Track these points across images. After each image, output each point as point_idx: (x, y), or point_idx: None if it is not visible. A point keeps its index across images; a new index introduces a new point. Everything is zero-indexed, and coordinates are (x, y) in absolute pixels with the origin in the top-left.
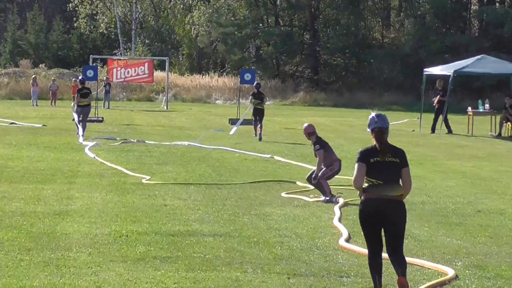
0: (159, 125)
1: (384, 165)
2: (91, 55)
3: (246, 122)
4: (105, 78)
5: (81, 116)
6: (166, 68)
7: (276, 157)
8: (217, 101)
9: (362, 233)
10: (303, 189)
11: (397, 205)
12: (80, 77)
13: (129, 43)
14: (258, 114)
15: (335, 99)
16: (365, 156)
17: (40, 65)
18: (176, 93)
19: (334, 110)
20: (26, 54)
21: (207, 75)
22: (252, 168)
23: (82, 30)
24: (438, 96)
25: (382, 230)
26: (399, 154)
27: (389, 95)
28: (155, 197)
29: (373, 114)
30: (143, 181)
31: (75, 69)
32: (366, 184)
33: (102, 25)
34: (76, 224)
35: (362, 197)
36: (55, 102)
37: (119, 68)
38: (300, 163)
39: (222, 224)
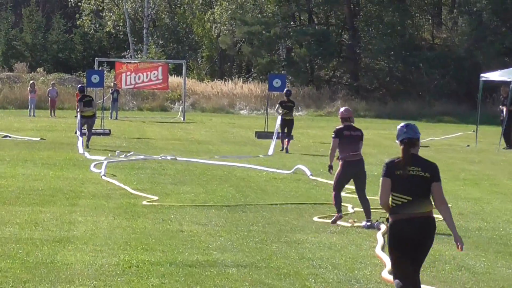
0: (174, 138)
1: (411, 178)
2: (96, 58)
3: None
4: (112, 84)
5: (84, 127)
6: (183, 73)
7: (300, 167)
8: (241, 111)
9: (391, 262)
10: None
11: (428, 222)
12: (80, 85)
13: (140, 44)
14: (287, 125)
15: (377, 108)
16: (389, 169)
17: (38, 69)
18: (195, 101)
19: (376, 122)
20: (21, 57)
21: (230, 81)
22: (282, 188)
23: (86, 29)
24: (505, 105)
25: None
26: (431, 168)
27: (440, 105)
28: (170, 222)
29: (402, 124)
30: (144, 202)
31: (78, 74)
32: (394, 203)
33: (109, 23)
34: (79, 253)
35: (390, 219)
36: (54, 112)
37: (128, 73)
38: (328, 180)
39: (247, 253)
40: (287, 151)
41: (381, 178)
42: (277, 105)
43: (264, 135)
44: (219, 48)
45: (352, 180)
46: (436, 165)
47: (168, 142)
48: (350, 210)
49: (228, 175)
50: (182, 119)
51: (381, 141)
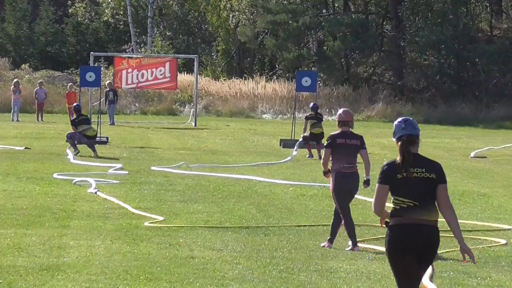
0: (184, 148)
1: (416, 181)
2: (91, 52)
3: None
4: (107, 83)
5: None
6: (195, 70)
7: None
8: (264, 115)
9: (392, 272)
10: (381, 236)
11: (433, 233)
12: (76, 104)
13: (143, 36)
14: (316, 139)
15: (426, 112)
16: (388, 175)
17: (23, 66)
18: (209, 104)
19: (424, 128)
20: (3, 51)
21: (250, 80)
22: (312, 207)
23: (79, 18)
24: None
25: None
26: (436, 168)
27: (501, 107)
28: (178, 247)
29: (399, 119)
30: (146, 223)
31: (70, 71)
32: (397, 206)
33: (106, 11)
34: (70, 283)
35: (391, 223)
36: (42, 117)
37: (130, 70)
38: None
39: (270, 284)
40: (319, 157)
41: (377, 184)
42: (304, 120)
43: (291, 143)
44: (238, 41)
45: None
46: (440, 164)
47: (177, 152)
48: None
49: (247, 191)
50: (193, 124)
51: (429, 150)
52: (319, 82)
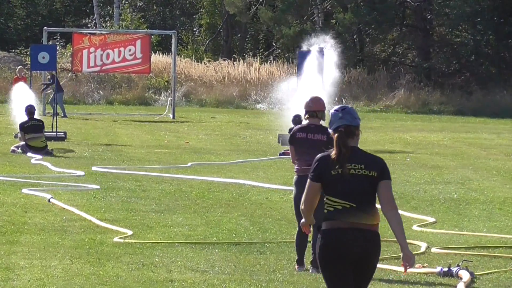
0: (160, 145)
1: (353, 179)
2: (45, 28)
3: None
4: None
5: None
6: (173, 49)
7: None
8: (258, 105)
9: (325, 282)
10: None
11: (373, 239)
12: (28, 104)
13: (109, 7)
14: None
15: (458, 101)
16: (320, 170)
17: None
18: (190, 91)
19: (456, 120)
20: None
21: (241, 62)
22: None
23: None
24: None
25: None
26: (377, 165)
27: None
28: (154, 268)
29: (335, 107)
30: (115, 239)
31: (18, 51)
32: (330, 208)
33: None
34: None
35: (323, 227)
36: None
37: (92, 50)
38: (401, 211)
39: None
40: None
41: (308, 181)
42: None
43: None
44: (225, 13)
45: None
46: (383, 160)
47: (151, 150)
48: (422, 249)
49: (238, 198)
50: (171, 116)
51: (462, 148)
52: None
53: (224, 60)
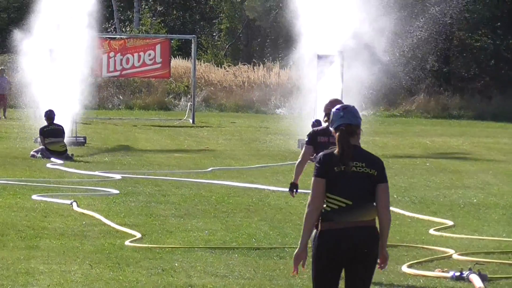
0: (180, 149)
1: (353, 177)
2: None
3: None
4: None
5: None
6: (192, 54)
7: None
8: (278, 110)
9: (313, 279)
10: (429, 258)
11: (370, 235)
12: (48, 109)
13: (129, 12)
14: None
15: (477, 106)
16: (326, 166)
17: None
18: (210, 95)
19: (476, 125)
20: None
21: (261, 66)
22: None
23: None
24: None
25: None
26: (376, 164)
27: None
28: (173, 272)
29: (337, 106)
30: (126, 243)
31: None
32: (327, 207)
33: None
34: None
35: (320, 227)
36: (5, 112)
37: (112, 54)
38: (418, 215)
39: None
40: None
41: (312, 178)
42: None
43: None
44: (245, 18)
45: None
46: (381, 160)
47: (170, 155)
48: (451, 252)
49: (258, 203)
50: (190, 121)
51: (482, 153)
52: None
53: (244, 64)
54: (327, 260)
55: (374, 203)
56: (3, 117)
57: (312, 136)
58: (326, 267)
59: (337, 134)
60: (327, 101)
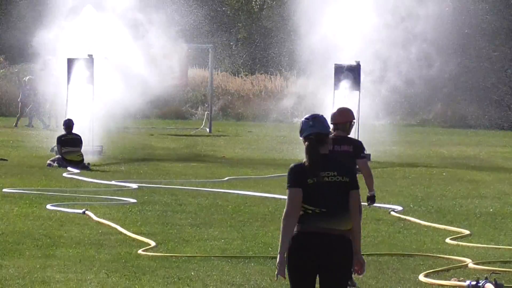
0: (196, 159)
1: (327, 186)
2: None
3: None
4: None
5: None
6: (210, 63)
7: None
8: (296, 119)
9: (289, 282)
10: (449, 266)
11: (344, 245)
12: (67, 118)
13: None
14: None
15: (495, 115)
16: (298, 177)
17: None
18: (227, 105)
19: (493, 134)
20: None
21: (278, 75)
22: None
23: None
24: None
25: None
26: (347, 171)
27: None
28: (189, 281)
29: (306, 115)
30: (140, 251)
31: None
32: (302, 212)
33: None
34: None
35: (296, 229)
36: (17, 121)
37: None
38: (434, 224)
39: None
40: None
41: (287, 190)
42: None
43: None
44: (263, 27)
45: None
46: (351, 166)
47: (187, 164)
48: (468, 261)
49: (274, 212)
50: (207, 130)
51: (499, 162)
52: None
53: (261, 73)
54: (302, 264)
55: (349, 212)
56: (16, 126)
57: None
58: (300, 274)
59: (307, 143)
60: (336, 110)
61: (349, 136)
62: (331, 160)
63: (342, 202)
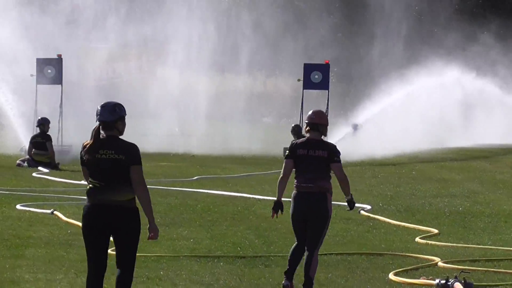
0: (166, 158)
1: (103, 162)
2: None
3: None
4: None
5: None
6: None
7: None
8: (265, 119)
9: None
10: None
11: (122, 212)
12: (41, 118)
13: None
14: None
15: None
16: (82, 155)
17: None
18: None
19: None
20: None
21: (248, 75)
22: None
23: None
24: None
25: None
26: (127, 150)
27: None
28: (158, 281)
29: (102, 103)
30: (109, 251)
31: None
32: (88, 186)
33: None
34: None
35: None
36: None
37: None
38: (404, 223)
39: None
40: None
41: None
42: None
43: None
44: None
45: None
46: (135, 146)
47: (157, 164)
48: (437, 260)
49: (244, 212)
50: (177, 130)
51: (469, 162)
52: (332, 77)
53: (227, 73)
54: (88, 229)
55: (128, 184)
56: None
57: (292, 149)
58: (89, 235)
59: (94, 128)
60: (310, 112)
61: (323, 139)
62: (113, 141)
63: (117, 176)
